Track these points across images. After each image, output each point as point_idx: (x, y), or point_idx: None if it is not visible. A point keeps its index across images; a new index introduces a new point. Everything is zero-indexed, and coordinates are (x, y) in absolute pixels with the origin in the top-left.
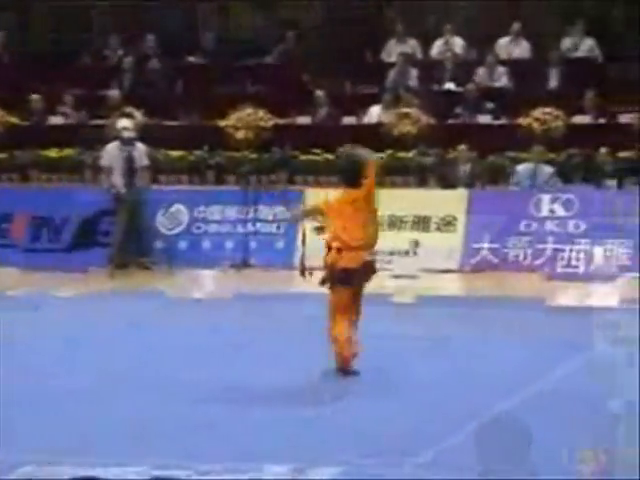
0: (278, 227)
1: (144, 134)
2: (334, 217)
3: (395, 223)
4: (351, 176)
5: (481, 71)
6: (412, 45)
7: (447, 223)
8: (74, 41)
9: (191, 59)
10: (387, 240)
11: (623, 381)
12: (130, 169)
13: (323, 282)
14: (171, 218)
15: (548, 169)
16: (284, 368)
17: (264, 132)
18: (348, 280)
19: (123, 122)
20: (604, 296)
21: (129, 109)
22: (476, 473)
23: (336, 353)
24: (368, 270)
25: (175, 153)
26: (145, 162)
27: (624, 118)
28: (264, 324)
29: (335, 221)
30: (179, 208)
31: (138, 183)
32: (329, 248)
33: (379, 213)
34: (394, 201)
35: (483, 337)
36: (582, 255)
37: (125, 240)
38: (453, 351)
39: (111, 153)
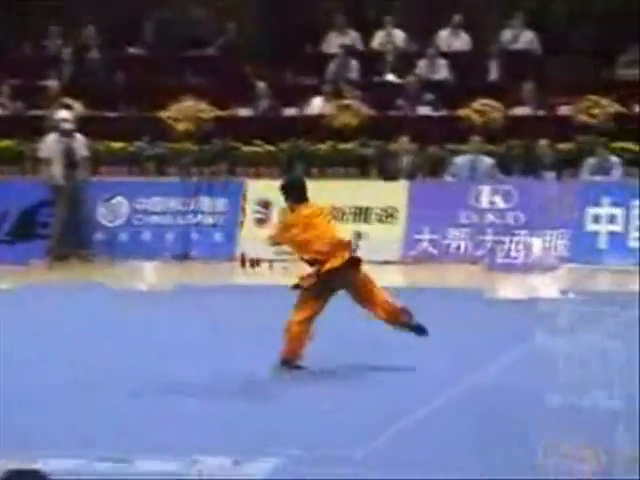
0: (219, 219)
1: (83, 125)
2: (303, 232)
3: (336, 215)
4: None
5: (421, 63)
6: (352, 37)
7: (388, 214)
8: (12, 30)
9: (132, 50)
10: None
11: (563, 372)
12: (69, 161)
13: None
14: (111, 210)
15: (487, 160)
16: (224, 361)
17: (205, 124)
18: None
19: (62, 113)
20: (543, 287)
21: (68, 100)
22: (414, 467)
23: (286, 344)
24: (351, 265)
25: (115, 144)
26: (84, 153)
27: (563, 110)
28: (205, 316)
29: (305, 235)
30: (119, 200)
31: (78, 175)
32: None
33: (320, 204)
34: (335, 193)
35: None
36: (521, 246)
37: (64, 232)
38: (389, 343)
39: (50, 145)
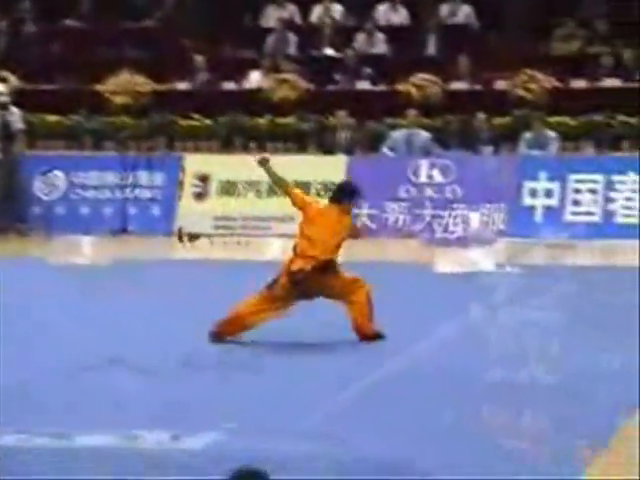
0: (157, 193)
1: (19, 98)
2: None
3: (275, 189)
4: (345, 197)
5: (360, 37)
6: (291, 10)
7: (326, 189)
8: None
9: (68, 22)
10: (268, 206)
11: (500, 345)
12: (5, 134)
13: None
14: (48, 184)
15: (424, 134)
16: (163, 335)
17: (143, 97)
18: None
19: None
20: (481, 261)
21: (3, 73)
22: (355, 439)
23: (225, 322)
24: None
25: (52, 118)
26: (20, 126)
27: (500, 85)
28: (143, 291)
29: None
30: (56, 174)
31: (14, 148)
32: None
33: (259, 179)
34: (274, 167)
35: None
36: (459, 220)
37: (0, 206)
38: (332, 318)
39: None
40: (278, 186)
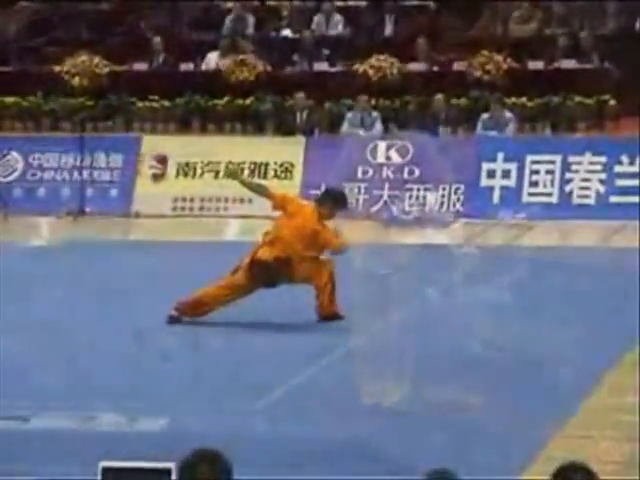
0: (114, 174)
1: None
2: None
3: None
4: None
5: (317, 19)
6: None
7: (284, 170)
8: None
9: (24, 3)
10: (225, 187)
11: (455, 325)
12: None
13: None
14: (5, 165)
15: (374, 115)
16: (119, 316)
17: (100, 79)
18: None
19: None
20: (438, 241)
21: None
22: (306, 419)
23: (188, 300)
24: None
25: (9, 99)
26: None
27: (457, 66)
28: (99, 272)
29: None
30: (14, 155)
31: None
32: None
33: (217, 160)
34: (232, 148)
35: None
36: (417, 201)
37: None
38: (290, 301)
39: None
40: (256, 192)
